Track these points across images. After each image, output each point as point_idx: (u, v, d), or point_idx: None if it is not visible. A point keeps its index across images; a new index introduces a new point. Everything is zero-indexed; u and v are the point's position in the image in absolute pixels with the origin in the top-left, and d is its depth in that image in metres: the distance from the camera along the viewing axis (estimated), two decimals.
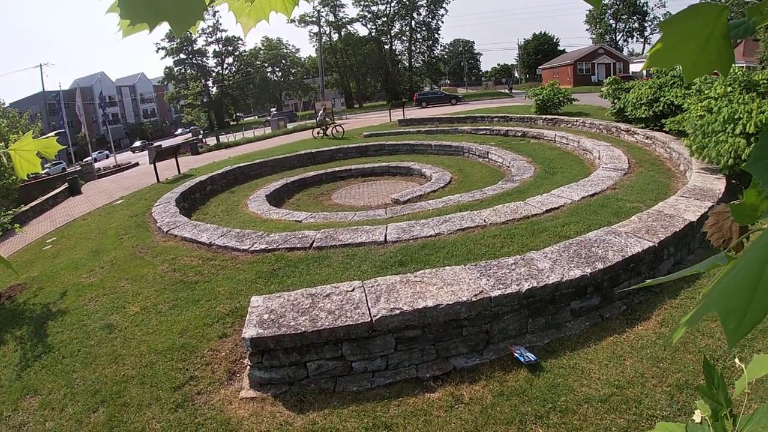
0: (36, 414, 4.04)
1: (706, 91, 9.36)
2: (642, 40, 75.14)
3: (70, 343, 5.12)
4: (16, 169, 1.08)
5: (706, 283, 4.78)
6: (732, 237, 0.87)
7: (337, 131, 23.19)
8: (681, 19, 0.56)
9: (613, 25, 72.17)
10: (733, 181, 7.33)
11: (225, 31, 63.70)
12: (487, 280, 4.31)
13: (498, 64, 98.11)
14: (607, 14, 71.49)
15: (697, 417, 0.97)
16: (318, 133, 23.61)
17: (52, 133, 1.19)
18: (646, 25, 70.78)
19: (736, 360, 0.99)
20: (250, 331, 3.86)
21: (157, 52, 62.96)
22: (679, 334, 0.45)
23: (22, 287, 7.29)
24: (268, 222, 9.26)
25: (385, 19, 63.14)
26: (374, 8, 62.66)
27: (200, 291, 5.80)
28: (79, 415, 3.90)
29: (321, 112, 25.47)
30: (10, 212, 9.38)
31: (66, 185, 18.31)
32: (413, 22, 63.80)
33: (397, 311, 3.91)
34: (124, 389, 4.14)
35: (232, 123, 66.44)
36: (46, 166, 37.54)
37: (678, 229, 5.23)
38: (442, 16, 64.88)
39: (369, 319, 3.87)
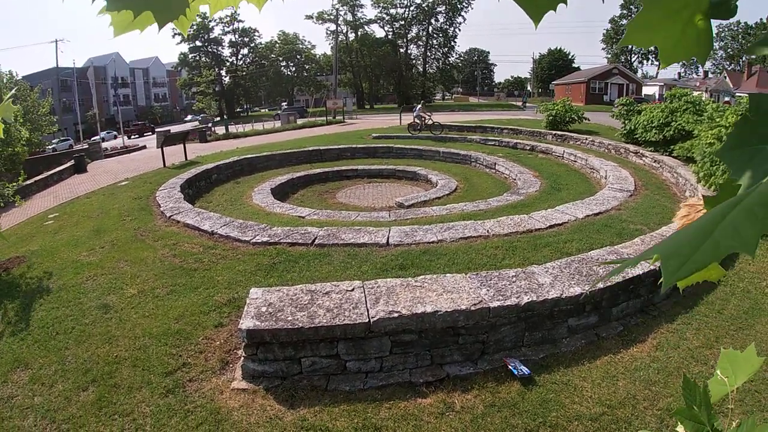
0: (25, 388, 4.04)
1: (717, 119, 9.37)
2: (657, 63, 75.16)
3: (64, 319, 5.11)
4: None
5: (704, 309, 4.80)
6: None
7: (434, 123, 21.83)
8: (668, 3, 0.53)
9: (629, 46, 72.21)
10: None
11: (242, 21, 64.03)
12: (487, 290, 4.31)
13: (511, 77, 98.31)
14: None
15: (681, 430, 0.95)
16: (414, 128, 22.19)
17: (8, 97, 1.19)
18: None
19: (718, 372, 0.97)
20: (247, 323, 3.86)
21: (173, 37, 62.94)
22: (615, 273, 0.44)
23: (20, 260, 7.29)
24: (271, 215, 9.26)
25: (402, 22, 63.25)
26: (393, 11, 62.82)
27: (199, 278, 5.80)
28: (68, 393, 3.90)
29: (419, 106, 23.97)
30: (14, 184, 9.38)
31: (72, 162, 18.35)
32: (430, 28, 63.95)
33: (396, 314, 3.90)
34: (116, 370, 4.14)
35: (242, 114, 66.53)
36: (53, 141, 37.69)
37: None
38: (460, 24, 64.94)
39: (367, 319, 3.86)
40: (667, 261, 0.38)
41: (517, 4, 0.57)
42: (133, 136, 40.32)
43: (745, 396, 3.50)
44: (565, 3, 0.57)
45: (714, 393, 0.93)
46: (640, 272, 4.76)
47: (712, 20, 0.55)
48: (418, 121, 22.37)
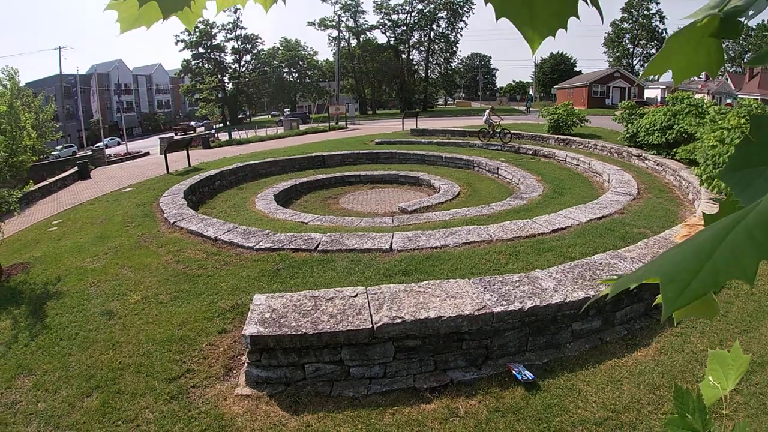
0: (29, 393, 4.05)
1: (720, 122, 9.35)
2: None
3: (68, 326, 5.13)
4: None
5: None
6: None
7: (503, 131, 19.01)
8: (684, 31, 0.57)
9: (631, 50, 72.14)
10: None
11: (245, 28, 64.25)
12: (491, 295, 4.30)
13: (513, 81, 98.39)
14: (626, 38, 71.55)
15: None
16: (483, 137, 19.57)
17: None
18: None
19: (709, 376, 0.95)
20: (250, 329, 3.86)
21: (176, 44, 63.41)
22: (611, 293, 0.44)
23: (24, 266, 7.32)
24: (275, 221, 9.28)
25: (404, 28, 63.37)
26: (395, 17, 62.99)
27: (202, 285, 5.80)
28: (72, 399, 3.91)
29: (488, 111, 20.46)
30: (18, 192, 9.36)
31: (76, 169, 18.42)
32: (432, 33, 63.99)
33: (399, 320, 3.90)
34: (120, 376, 4.14)
35: (245, 120, 66.75)
36: (57, 148, 37.83)
37: None
38: (462, 29, 64.96)
39: (370, 325, 3.86)
40: (667, 287, 0.37)
41: (515, 27, 0.55)
42: (179, 133, 47.11)
43: (750, 399, 3.48)
44: (565, 29, 0.55)
45: (707, 397, 0.92)
46: None
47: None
48: (488, 128, 19.58)
